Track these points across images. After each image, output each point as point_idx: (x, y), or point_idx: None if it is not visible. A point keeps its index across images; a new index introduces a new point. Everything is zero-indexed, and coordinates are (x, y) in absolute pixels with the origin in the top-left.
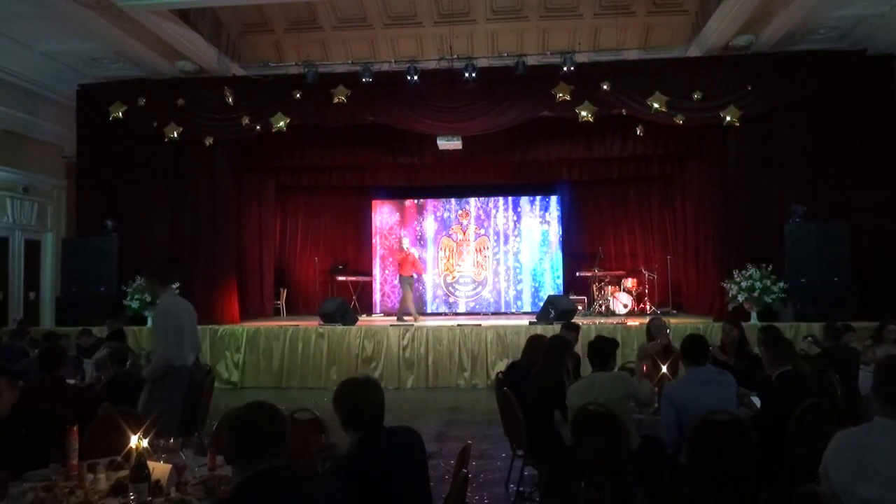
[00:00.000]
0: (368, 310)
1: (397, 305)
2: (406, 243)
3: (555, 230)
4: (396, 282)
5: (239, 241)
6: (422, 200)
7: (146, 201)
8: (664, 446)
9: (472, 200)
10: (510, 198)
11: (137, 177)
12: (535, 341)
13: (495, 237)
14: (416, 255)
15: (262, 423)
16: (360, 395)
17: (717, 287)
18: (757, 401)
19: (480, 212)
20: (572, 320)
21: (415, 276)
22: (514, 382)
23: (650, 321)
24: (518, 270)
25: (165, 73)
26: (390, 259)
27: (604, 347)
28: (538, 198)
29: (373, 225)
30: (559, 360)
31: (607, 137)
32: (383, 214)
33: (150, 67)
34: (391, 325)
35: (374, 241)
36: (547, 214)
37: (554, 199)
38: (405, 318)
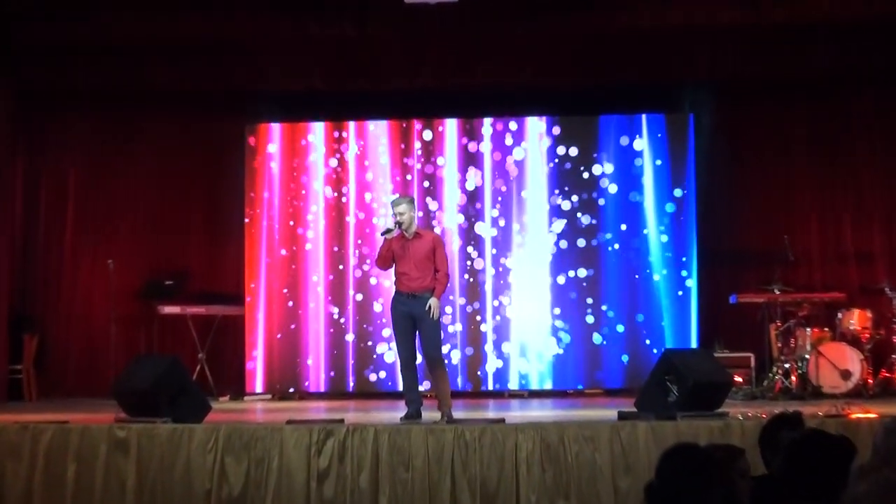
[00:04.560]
0: (236, 385)
1: (324, 380)
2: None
3: (676, 194)
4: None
5: None
6: (368, 124)
7: None
8: None
9: (484, 124)
10: (572, 119)
11: None
12: (686, 463)
13: (531, 210)
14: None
15: None
16: None
17: None
18: None
19: (497, 151)
20: (720, 408)
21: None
22: None
23: (885, 426)
24: (590, 289)
25: None
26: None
27: (826, 455)
28: (641, 119)
29: (255, 180)
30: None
31: None
32: (277, 156)
33: None
34: (289, 424)
35: (254, 218)
36: (658, 158)
37: (674, 121)
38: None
